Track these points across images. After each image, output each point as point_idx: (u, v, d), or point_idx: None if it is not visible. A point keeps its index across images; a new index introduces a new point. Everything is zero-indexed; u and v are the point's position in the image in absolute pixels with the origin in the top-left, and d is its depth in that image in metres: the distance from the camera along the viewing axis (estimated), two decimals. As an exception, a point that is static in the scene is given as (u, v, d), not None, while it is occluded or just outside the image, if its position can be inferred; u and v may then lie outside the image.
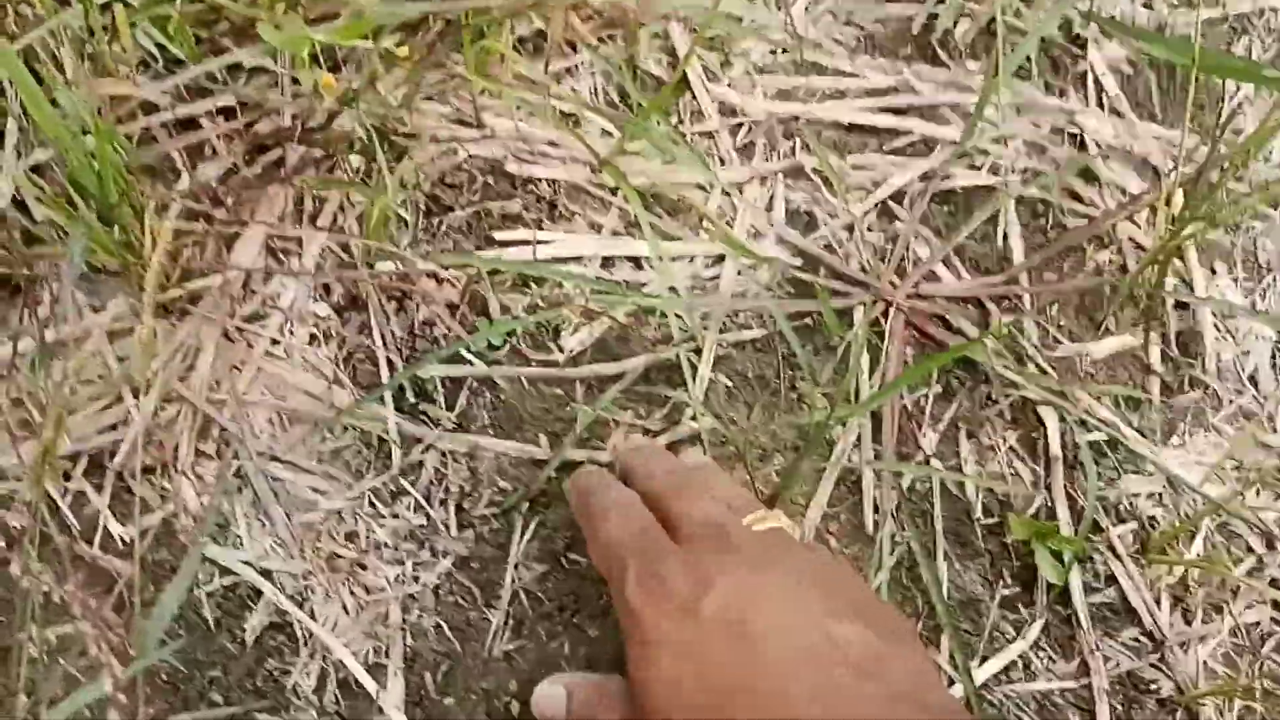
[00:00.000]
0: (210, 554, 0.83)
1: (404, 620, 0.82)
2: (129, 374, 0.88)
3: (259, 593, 0.82)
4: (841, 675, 0.54)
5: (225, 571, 0.83)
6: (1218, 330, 0.98)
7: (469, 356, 0.90)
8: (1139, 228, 0.99)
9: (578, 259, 0.95)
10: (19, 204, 0.91)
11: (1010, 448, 0.91)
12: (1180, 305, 0.98)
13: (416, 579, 0.83)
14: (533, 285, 0.93)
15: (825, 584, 0.62)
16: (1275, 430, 0.95)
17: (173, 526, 0.84)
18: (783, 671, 0.54)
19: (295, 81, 0.93)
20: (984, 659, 0.84)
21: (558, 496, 0.86)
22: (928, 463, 0.89)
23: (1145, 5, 1.11)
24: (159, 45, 0.95)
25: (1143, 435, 0.92)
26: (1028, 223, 1.00)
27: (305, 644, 0.81)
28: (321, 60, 0.95)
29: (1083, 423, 0.90)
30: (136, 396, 0.88)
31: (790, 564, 0.63)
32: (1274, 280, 1.01)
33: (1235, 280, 1.01)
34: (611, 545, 0.70)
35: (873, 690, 0.53)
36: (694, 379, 0.90)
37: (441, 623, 0.82)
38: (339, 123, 0.89)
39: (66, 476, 0.85)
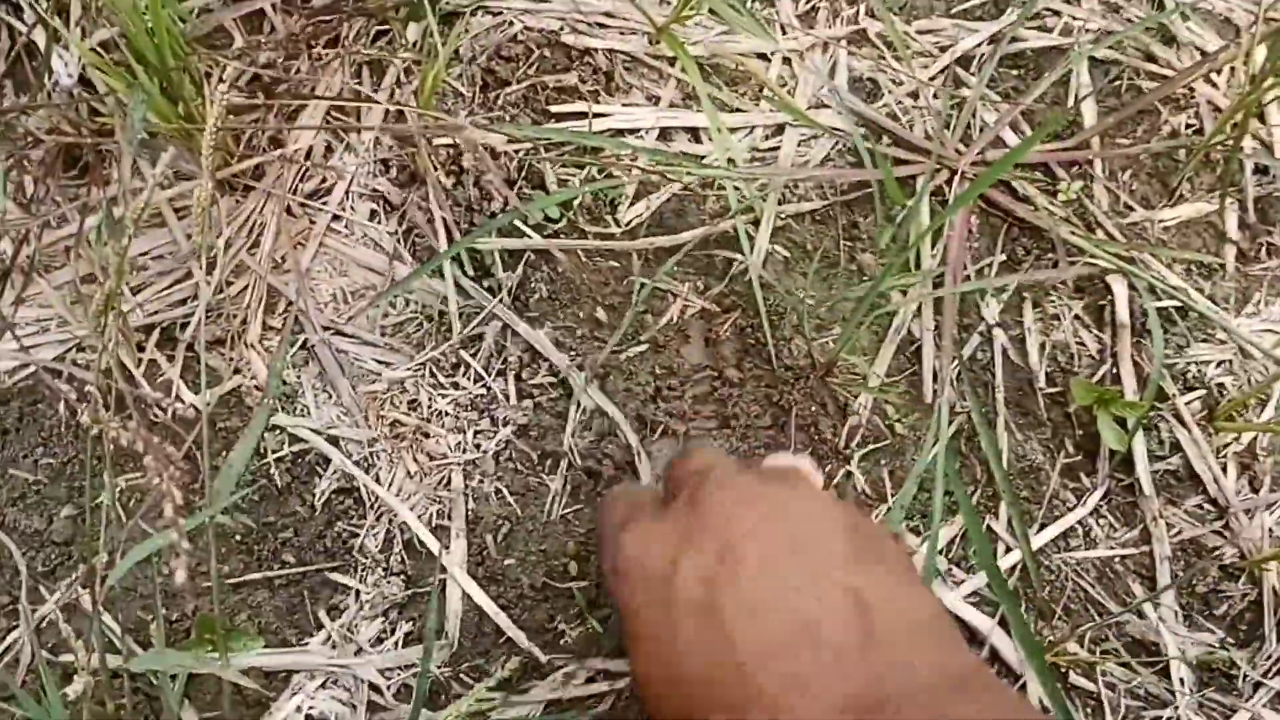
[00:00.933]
0: (279, 422, 0.86)
1: (466, 485, 0.84)
2: (196, 247, 0.90)
3: (327, 459, 0.85)
4: (823, 656, 0.48)
5: (294, 439, 0.86)
6: (1300, 195, 0.94)
7: (526, 229, 0.90)
8: (1217, 89, 0.95)
9: (635, 131, 0.94)
10: (85, 83, 0.93)
11: (1076, 316, 0.89)
12: (1260, 170, 0.94)
13: (478, 446, 0.85)
14: (589, 158, 0.93)
15: (819, 539, 0.54)
16: (1357, 298, 0.91)
17: (243, 397, 0.86)
18: (754, 661, 0.49)
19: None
20: (1043, 525, 0.83)
21: (615, 367, 0.87)
22: (989, 333, 0.88)
23: None
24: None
25: (1215, 303, 0.90)
26: (1101, 86, 0.96)
27: (372, 508, 0.84)
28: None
29: (1151, 289, 0.88)
30: (207, 271, 0.90)
31: (780, 517, 0.55)
32: (1363, 144, 0.97)
33: (1321, 143, 0.97)
34: (604, 533, 0.65)
35: (859, 667, 0.47)
36: (752, 249, 0.89)
37: (502, 488, 0.84)
38: (392, -7, 0.88)
39: (140, 348, 0.88)
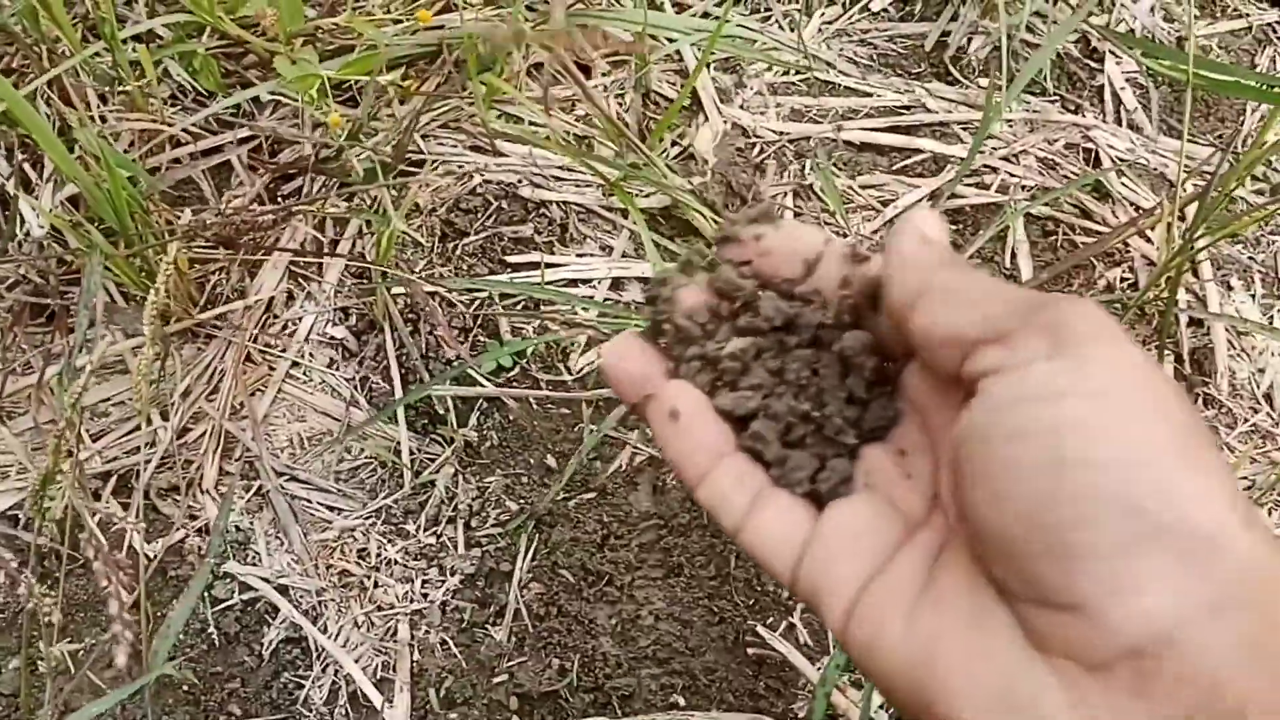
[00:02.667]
0: (230, 570, 0.87)
1: (412, 636, 0.85)
2: (155, 397, 0.92)
3: (276, 608, 0.86)
4: None
5: (245, 587, 0.87)
6: (1232, 347, 0.97)
7: (479, 377, 0.92)
8: (1152, 244, 0.98)
9: (588, 281, 0.97)
10: (57, 232, 0.96)
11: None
12: (1194, 322, 0.97)
13: (425, 595, 0.86)
14: (544, 307, 0.96)
15: None
16: (1291, 449, 0.93)
17: (195, 544, 0.88)
18: None
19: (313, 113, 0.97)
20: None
21: (563, 516, 0.88)
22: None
23: (1166, 19, 1.10)
24: (189, 82, 0.99)
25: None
26: (1037, 240, 1.00)
27: (318, 658, 0.84)
28: (339, 92, 0.98)
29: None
30: (165, 419, 0.92)
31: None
32: (1295, 296, 1.00)
33: (1253, 296, 1.00)
34: None
35: None
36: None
37: (447, 639, 0.84)
38: (348, 155, 0.92)
39: (97, 495, 0.89)
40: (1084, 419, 0.34)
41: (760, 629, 0.84)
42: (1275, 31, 1.11)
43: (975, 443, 0.37)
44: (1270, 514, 0.91)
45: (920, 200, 1.00)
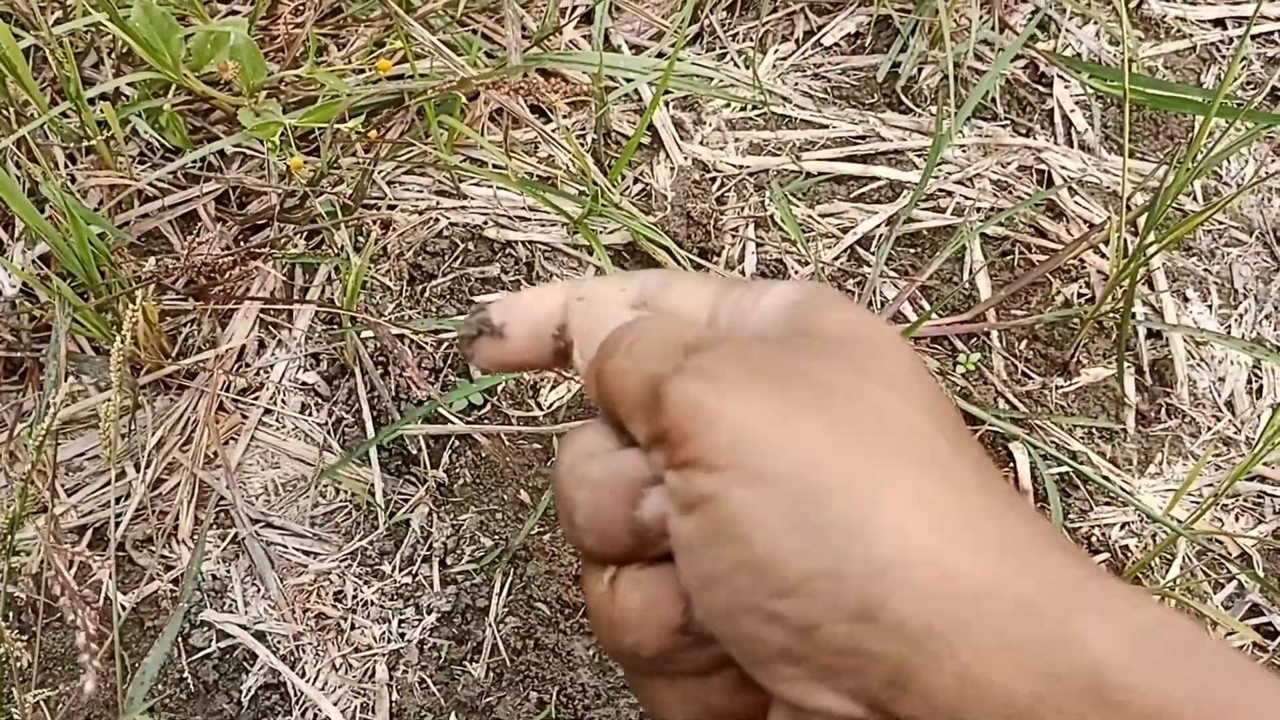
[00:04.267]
0: (208, 618, 0.87)
1: (390, 676, 0.85)
2: (129, 449, 0.92)
3: (254, 654, 0.86)
4: None
5: (223, 635, 0.87)
6: (1191, 357, 0.98)
7: (450, 416, 0.93)
8: (1106, 259, 1.00)
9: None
10: (29, 289, 0.97)
11: (982, 483, 0.92)
12: (1153, 334, 0.99)
13: (402, 635, 0.86)
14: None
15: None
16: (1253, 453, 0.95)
17: (170, 593, 0.88)
18: None
19: (277, 163, 0.98)
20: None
21: (538, 550, 0.89)
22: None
23: (1111, 42, 1.13)
24: (157, 138, 1.01)
25: (1117, 465, 0.93)
26: (995, 260, 1.02)
27: (297, 703, 0.84)
28: (304, 142, 1.00)
29: (1046, 457, 0.91)
30: (138, 470, 0.93)
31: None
32: (1250, 305, 1.02)
33: (1210, 307, 1.02)
34: None
35: None
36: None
37: (426, 677, 0.85)
38: (314, 201, 0.94)
39: (73, 547, 0.89)
40: (701, 537, 0.33)
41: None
42: (1219, 50, 1.14)
43: None
44: (1237, 519, 0.93)
45: (878, 225, 1.02)
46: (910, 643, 0.30)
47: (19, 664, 0.64)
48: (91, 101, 0.96)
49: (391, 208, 0.98)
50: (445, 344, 0.96)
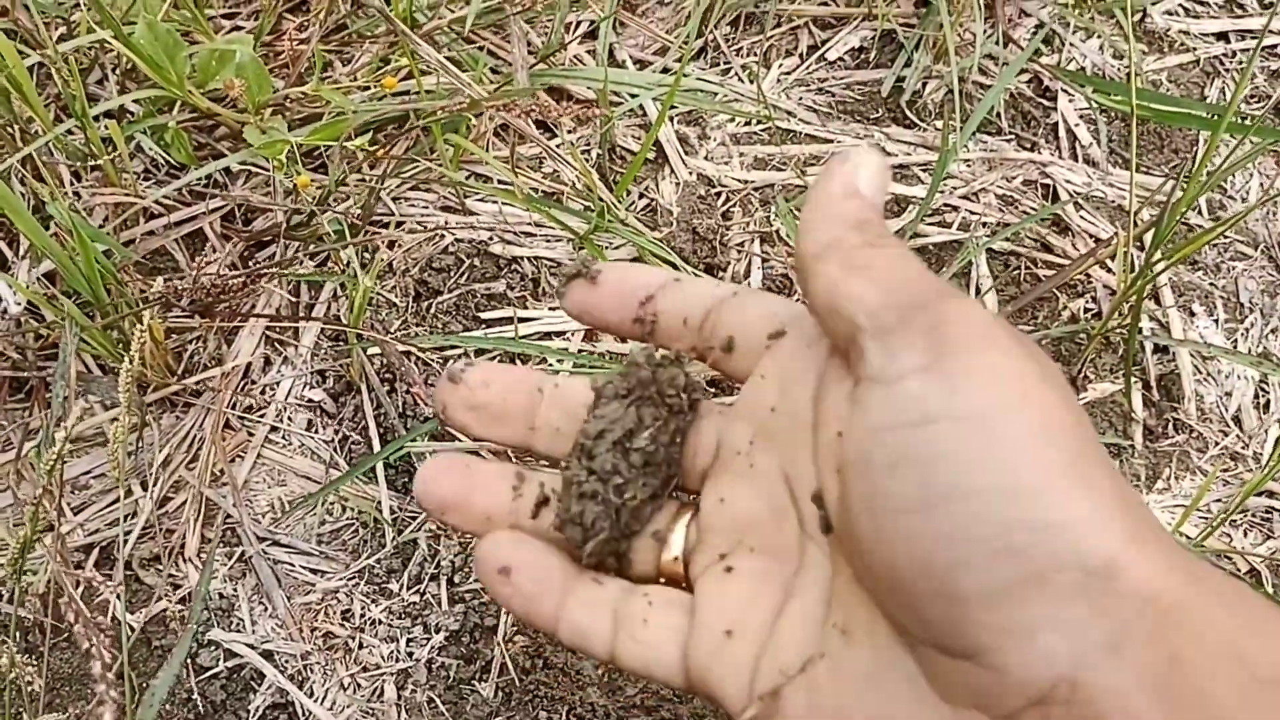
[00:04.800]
0: (215, 637, 0.87)
1: (398, 695, 0.85)
2: (135, 467, 0.92)
3: (262, 674, 0.86)
4: None
5: (230, 654, 0.87)
6: (1198, 372, 0.98)
7: (457, 434, 0.93)
8: (1113, 274, 1.00)
9: (562, 334, 0.99)
10: (34, 308, 0.97)
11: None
12: (1160, 349, 0.99)
13: (410, 654, 0.86)
14: (518, 361, 0.97)
15: None
16: (1262, 469, 0.95)
17: (178, 612, 0.88)
18: None
19: (283, 180, 0.98)
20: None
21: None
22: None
23: (1115, 56, 1.13)
24: (162, 155, 1.01)
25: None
26: (1000, 275, 1.01)
27: (305, 722, 0.84)
28: (310, 159, 1.00)
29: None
30: (145, 489, 0.92)
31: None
32: (1256, 320, 1.02)
33: (1216, 321, 1.01)
34: None
35: None
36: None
37: (434, 697, 0.84)
38: (321, 218, 0.94)
39: (79, 568, 0.89)
40: (955, 448, 0.31)
41: (745, 671, 0.85)
42: (1223, 64, 1.14)
43: (857, 467, 0.34)
44: (1245, 535, 0.93)
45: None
46: (1136, 614, 0.30)
47: (30, 688, 0.64)
48: (96, 119, 0.96)
49: (399, 225, 0.98)
50: (451, 360, 0.96)
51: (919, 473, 0.32)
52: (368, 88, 1.02)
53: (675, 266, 0.98)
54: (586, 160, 1.04)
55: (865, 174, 0.38)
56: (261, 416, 0.95)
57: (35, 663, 0.74)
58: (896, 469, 0.32)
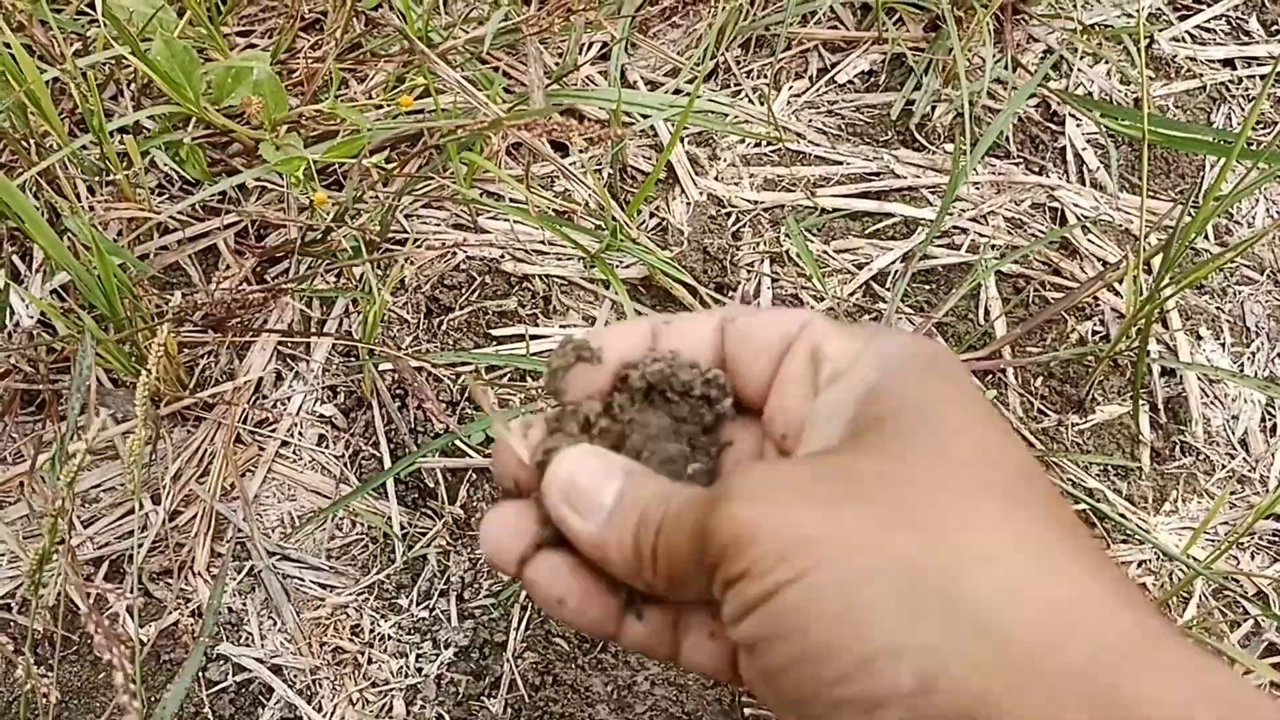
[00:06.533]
0: (224, 651, 0.87)
1: (408, 711, 0.85)
2: (147, 480, 0.92)
3: (271, 688, 0.86)
4: None
5: (239, 668, 0.87)
6: (1205, 395, 0.99)
7: (468, 449, 0.93)
8: (1121, 297, 1.01)
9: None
10: (46, 322, 0.97)
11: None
12: (1167, 372, 0.99)
13: (419, 670, 0.86)
14: (529, 379, 0.97)
15: None
16: (1268, 492, 0.95)
17: (188, 626, 0.88)
18: None
19: (298, 197, 0.99)
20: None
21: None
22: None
23: (1122, 81, 1.14)
24: (176, 170, 1.01)
25: (1133, 503, 0.93)
26: (1009, 298, 1.02)
27: (314, 737, 0.84)
28: (325, 176, 1.01)
29: (1064, 494, 0.91)
30: (155, 502, 0.92)
31: None
32: (1262, 344, 1.02)
33: (1223, 345, 1.02)
34: None
35: None
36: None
37: (443, 713, 0.84)
38: (336, 235, 0.94)
39: (89, 581, 0.89)
40: (764, 635, 0.34)
41: (755, 690, 0.85)
42: (1228, 90, 1.15)
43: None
44: (1253, 558, 0.93)
45: (893, 261, 1.03)
46: (969, 710, 0.31)
47: (45, 700, 0.64)
48: (112, 134, 0.96)
49: (417, 243, 0.99)
50: (463, 377, 0.96)
51: (752, 660, 0.36)
52: (381, 106, 1.02)
53: (686, 286, 0.99)
54: (597, 179, 1.04)
55: (607, 496, 0.39)
56: (272, 431, 0.95)
57: (47, 674, 0.74)
58: (742, 657, 0.38)
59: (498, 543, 0.42)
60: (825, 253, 1.03)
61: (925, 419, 0.36)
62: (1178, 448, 0.97)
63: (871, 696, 0.32)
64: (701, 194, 1.06)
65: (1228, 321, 1.04)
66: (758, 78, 1.14)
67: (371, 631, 0.88)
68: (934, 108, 1.11)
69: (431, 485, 0.93)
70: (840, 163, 1.08)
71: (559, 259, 1.03)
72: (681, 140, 1.08)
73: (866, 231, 1.05)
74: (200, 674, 0.85)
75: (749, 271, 1.03)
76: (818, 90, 1.13)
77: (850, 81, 1.14)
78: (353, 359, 0.98)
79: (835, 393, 0.38)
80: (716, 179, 1.08)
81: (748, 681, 0.37)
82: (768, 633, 0.33)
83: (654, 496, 0.38)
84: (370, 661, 0.87)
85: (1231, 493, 0.95)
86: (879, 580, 0.32)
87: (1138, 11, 1.15)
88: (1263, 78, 1.16)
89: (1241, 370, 1.01)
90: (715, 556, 0.35)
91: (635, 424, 0.41)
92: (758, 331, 0.41)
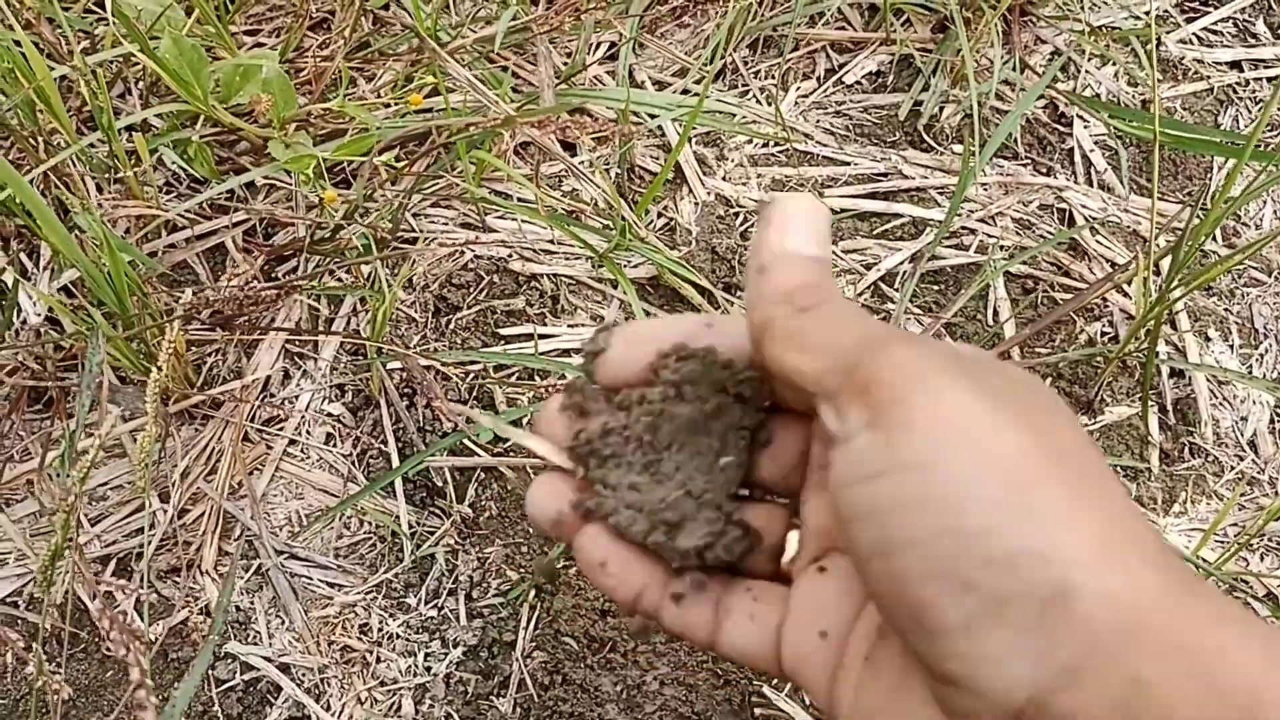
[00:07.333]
0: (232, 650, 0.87)
1: (416, 710, 0.84)
2: (154, 478, 0.92)
3: (279, 687, 0.85)
4: None
5: (246, 667, 0.86)
6: (1214, 396, 0.99)
7: (476, 448, 0.93)
8: (1129, 298, 1.01)
9: (580, 350, 0.99)
10: (53, 319, 0.97)
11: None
12: (1176, 373, 0.99)
13: (428, 669, 0.86)
14: (537, 377, 0.97)
15: None
16: (1277, 494, 0.95)
17: (197, 624, 0.87)
18: None
19: (306, 195, 0.99)
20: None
21: (563, 583, 0.89)
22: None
23: (1130, 83, 1.14)
24: (183, 167, 1.01)
25: (1142, 505, 0.93)
26: (1018, 299, 1.02)
27: (322, 736, 0.84)
28: (333, 174, 1.01)
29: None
30: (163, 500, 0.92)
31: None
32: (1271, 345, 1.02)
33: (1231, 346, 1.02)
34: None
35: None
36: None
37: (452, 712, 0.84)
38: (345, 233, 0.94)
39: (96, 579, 0.89)
40: (902, 499, 0.33)
41: (766, 689, 0.84)
42: (1235, 92, 1.15)
43: (839, 520, 0.35)
44: (1262, 559, 0.93)
45: (901, 262, 1.03)
46: (1094, 636, 0.31)
47: (56, 698, 0.63)
48: (119, 132, 0.96)
49: (428, 240, 0.99)
50: (471, 375, 0.96)
51: (876, 525, 0.33)
52: (389, 105, 1.02)
53: (695, 285, 0.99)
54: (606, 180, 1.04)
55: (794, 231, 0.38)
56: (280, 429, 0.95)
57: (56, 671, 0.74)
58: (857, 522, 0.34)
59: (543, 504, 0.43)
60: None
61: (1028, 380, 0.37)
62: (1187, 449, 0.97)
63: (1007, 589, 0.31)
64: (709, 194, 1.06)
65: (1236, 323, 1.04)
66: (765, 78, 1.14)
67: (380, 630, 0.88)
68: (942, 108, 1.11)
69: (439, 484, 0.92)
70: (848, 163, 1.08)
71: (567, 258, 1.03)
72: (689, 140, 1.08)
73: (874, 232, 1.05)
74: (208, 672, 0.85)
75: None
76: (825, 91, 1.13)
77: (858, 82, 1.14)
78: (360, 357, 0.98)
79: None
80: (724, 179, 1.08)
81: (856, 551, 0.35)
82: (914, 499, 0.32)
83: (835, 289, 0.37)
84: (379, 660, 0.86)
85: (1241, 494, 0.95)
86: (1047, 494, 0.32)
87: (1146, 14, 1.15)
88: (1270, 80, 1.16)
89: (1250, 372, 1.01)
90: (869, 384, 0.33)
91: (666, 415, 0.41)
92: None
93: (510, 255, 1.02)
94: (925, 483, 0.32)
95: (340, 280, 0.95)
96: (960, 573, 0.32)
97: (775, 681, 0.85)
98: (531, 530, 0.91)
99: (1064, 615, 0.31)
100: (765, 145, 1.09)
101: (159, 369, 0.73)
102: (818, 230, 0.38)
